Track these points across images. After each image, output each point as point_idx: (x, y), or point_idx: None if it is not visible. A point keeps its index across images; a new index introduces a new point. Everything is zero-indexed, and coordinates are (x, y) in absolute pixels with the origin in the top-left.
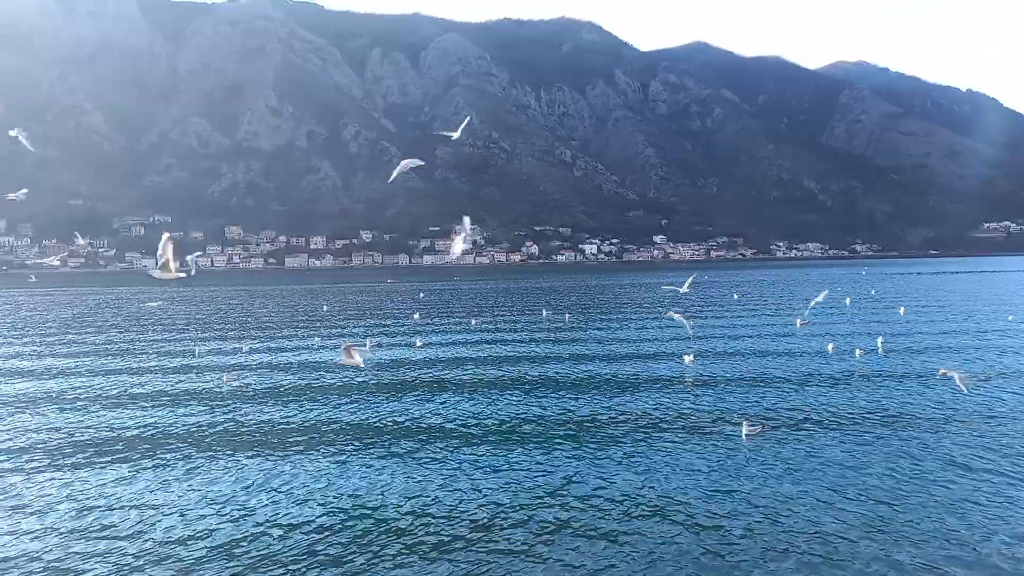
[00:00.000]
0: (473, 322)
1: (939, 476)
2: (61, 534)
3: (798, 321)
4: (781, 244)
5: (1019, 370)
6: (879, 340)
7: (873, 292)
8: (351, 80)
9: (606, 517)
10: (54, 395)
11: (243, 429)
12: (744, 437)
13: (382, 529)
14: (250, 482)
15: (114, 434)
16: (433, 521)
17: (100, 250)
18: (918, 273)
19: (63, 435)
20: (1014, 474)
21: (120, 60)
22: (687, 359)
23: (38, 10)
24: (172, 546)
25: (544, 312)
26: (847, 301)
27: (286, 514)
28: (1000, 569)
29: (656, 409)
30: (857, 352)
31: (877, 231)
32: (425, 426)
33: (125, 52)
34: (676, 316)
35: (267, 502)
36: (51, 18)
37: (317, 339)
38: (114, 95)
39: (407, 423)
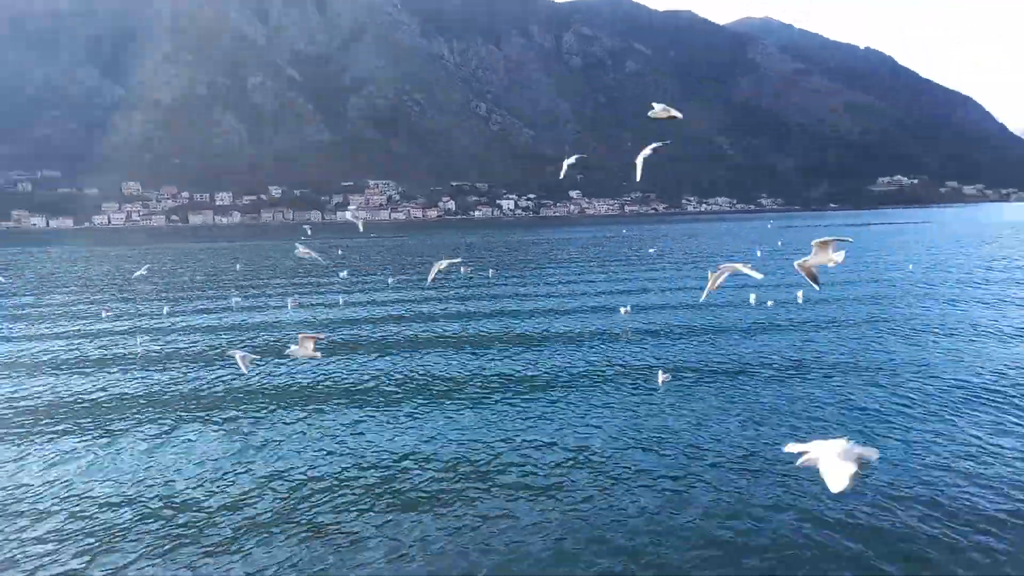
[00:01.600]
0: (390, 281)
1: (844, 421)
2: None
3: (710, 274)
4: (692, 199)
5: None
6: (799, 293)
7: (780, 244)
8: (254, 27)
9: (530, 471)
10: None
11: (161, 397)
12: (659, 384)
13: (308, 495)
14: (177, 450)
15: (19, 404)
16: (351, 482)
17: None
18: (824, 226)
19: None
20: (918, 420)
21: None
22: (623, 311)
23: None
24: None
25: (462, 268)
26: (757, 252)
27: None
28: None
29: (578, 361)
30: (769, 303)
31: (781, 185)
32: (355, 386)
33: None
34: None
35: (196, 468)
36: None
37: (236, 299)
38: None
39: (340, 383)
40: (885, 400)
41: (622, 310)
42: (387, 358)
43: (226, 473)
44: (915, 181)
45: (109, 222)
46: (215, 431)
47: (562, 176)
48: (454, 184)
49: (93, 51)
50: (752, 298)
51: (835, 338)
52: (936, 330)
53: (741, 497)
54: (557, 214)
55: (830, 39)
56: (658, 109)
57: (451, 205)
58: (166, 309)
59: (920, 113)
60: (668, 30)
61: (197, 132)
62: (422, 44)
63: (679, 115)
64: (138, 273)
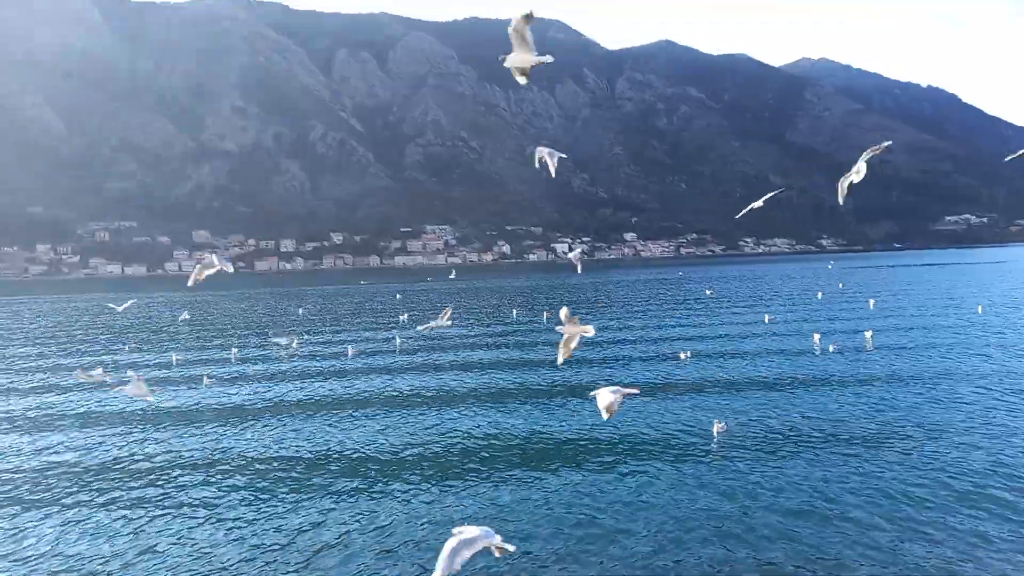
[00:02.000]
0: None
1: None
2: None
3: (766, 317)
4: (749, 240)
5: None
6: (868, 334)
7: (841, 286)
8: (318, 80)
9: (593, 519)
10: (31, 412)
11: (220, 453)
12: (715, 435)
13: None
14: (245, 502)
15: (95, 456)
16: (418, 530)
17: (63, 256)
18: (890, 266)
19: (40, 456)
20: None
21: (78, 62)
22: (683, 355)
23: None
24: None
25: (514, 312)
26: (819, 295)
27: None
28: None
29: (637, 410)
30: (831, 347)
31: (842, 225)
32: (419, 437)
33: (84, 54)
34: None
35: (259, 516)
36: (3, 21)
37: (296, 344)
38: (73, 98)
39: (408, 434)
40: (959, 466)
41: (682, 355)
42: (446, 411)
43: (292, 538)
44: (984, 219)
45: (180, 268)
46: (278, 496)
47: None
48: (509, 228)
49: (168, 106)
50: (816, 338)
51: (904, 392)
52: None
53: (799, 558)
54: (612, 257)
55: (890, 78)
56: (540, 153)
57: (506, 249)
58: (235, 352)
59: (986, 151)
60: (723, 73)
61: (263, 181)
62: (479, 93)
63: (551, 170)
64: (182, 317)
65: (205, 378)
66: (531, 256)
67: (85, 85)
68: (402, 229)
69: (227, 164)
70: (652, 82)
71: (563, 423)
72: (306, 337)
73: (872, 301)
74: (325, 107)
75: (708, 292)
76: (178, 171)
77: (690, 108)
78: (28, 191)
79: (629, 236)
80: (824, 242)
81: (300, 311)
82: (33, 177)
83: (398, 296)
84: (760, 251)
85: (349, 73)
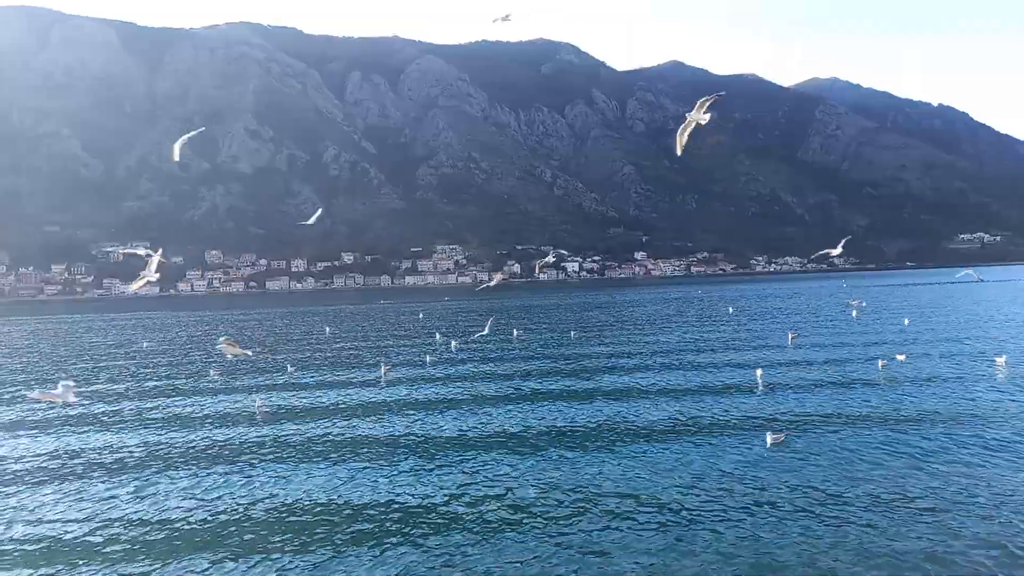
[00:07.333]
0: (453, 344)
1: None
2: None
3: (790, 335)
4: (760, 258)
5: None
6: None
7: (863, 304)
8: (331, 103)
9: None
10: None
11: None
12: (768, 444)
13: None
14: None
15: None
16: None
17: (78, 276)
18: (911, 284)
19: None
20: None
21: (96, 86)
22: (757, 373)
23: (9, 39)
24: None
25: (515, 332)
26: (853, 313)
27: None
28: None
29: (679, 421)
30: (881, 367)
31: (855, 244)
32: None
33: (101, 79)
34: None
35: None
36: (22, 46)
37: (339, 364)
38: (90, 121)
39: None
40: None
41: (757, 371)
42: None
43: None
44: (997, 238)
45: (192, 288)
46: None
47: None
48: (519, 247)
49: (183, 129)
50: (896, 357)
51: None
52: None
53: None
54: (622, 275)
55: (901, 97)
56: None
57: (516, 268)
58: (288, 369)
59: (999, 169)
60: (732, 93)
61: (276, 202)
62: (490, 114)
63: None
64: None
65: (258, 401)
66: (541, 275)
67: (103, 107)
68: (412, 249)
69: (241, 186)
70: (663, 102)
71: (603, 462)
72: (351, 356)
73: (907, 319)
74: (338, 129)
75: (730, 310)
76: (193, 192)
77: (701, 127)
78: (45, 211)
79: (639, 255)
80: (836, 260)
81: (327, 330)
82: (50, 197)
83: (420, 315)
84: (771, 269)
85: (362, 96)
